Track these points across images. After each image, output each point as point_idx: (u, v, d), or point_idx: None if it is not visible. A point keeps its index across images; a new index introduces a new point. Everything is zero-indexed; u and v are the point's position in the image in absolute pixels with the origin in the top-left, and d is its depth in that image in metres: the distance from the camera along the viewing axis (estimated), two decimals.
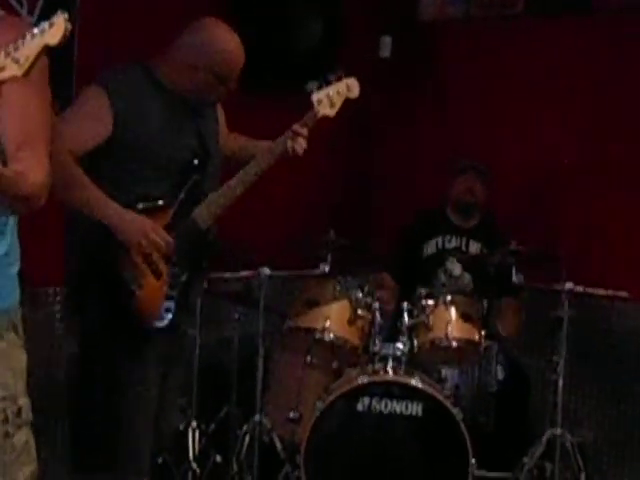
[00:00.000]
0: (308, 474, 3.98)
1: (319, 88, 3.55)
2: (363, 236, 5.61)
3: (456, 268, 4.92)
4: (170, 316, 3.29)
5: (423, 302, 4.38)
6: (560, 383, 4.36)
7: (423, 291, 4.49)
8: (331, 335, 4.22)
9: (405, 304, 4.38)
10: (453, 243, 5.10)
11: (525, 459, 4.37)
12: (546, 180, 5.45)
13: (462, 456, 4.01)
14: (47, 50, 1.72)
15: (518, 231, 5.01)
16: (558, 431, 4.33)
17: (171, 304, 3.30)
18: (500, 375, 4.72)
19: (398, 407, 4.06)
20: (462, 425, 4.04)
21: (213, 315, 4.49)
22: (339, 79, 3.58)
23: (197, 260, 3.43)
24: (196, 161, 3.35)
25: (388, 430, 4.07)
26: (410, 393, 4.07)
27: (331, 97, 3.51)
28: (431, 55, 5.87)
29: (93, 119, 3.19)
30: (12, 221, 2.22)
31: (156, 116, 3.29)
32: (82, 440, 3.35)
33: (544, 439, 4.35)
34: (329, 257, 4.37)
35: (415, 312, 4.35)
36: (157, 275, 3.24)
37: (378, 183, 6.00)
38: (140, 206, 3.22)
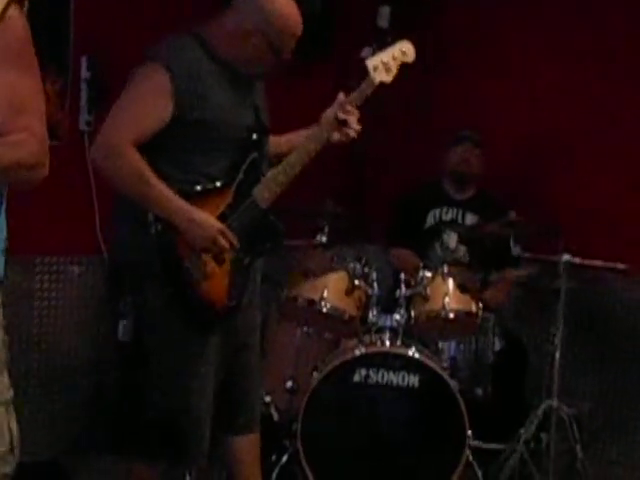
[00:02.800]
0: (305, 445, 4.00)
1: (373, 54, 3.45)
2: (360, 207, 5.62)
3: (452, 240, 4.93)
4: (234, 302, 3.22)
5: (420, 273, 4.38)
6: (557, 355, 4.40)
7: (418, 261, 4.52)
8: (328, 305, 4.20)
9: (402, 275, 4.41)
10: (450, 215, 5.11)
11: (521, 430, 4.40)
12: (546, 150, 5.44)
13: (458, 427, 4.04)
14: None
15: (516, 202, 5.03)
16: (554, 403, 4.37)
17: (235, 290, 3.23)
18: (497, 346, 4.73)
19: (395, 378, 4.08)
20: (459, 396, 4.07)
21: None
22: (393, 43, 3.47)
23: (259, 242, 3.32)
24: (255, 137, 3.25)
25: (384, 401, 4.10)
26: (407, 364, 4.09)
27: (386, 63, 3.38)
28: (429, 25, 5.84)
29: (154, 102, 3.04)
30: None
31: (216, 92, 3.14)
32: (142, 428, 3.32)
33: (540, 410, 4.40)
34: (326, 227, 4.38)
35: (412, 283, 4.36)
36: (220, 262, 3.15)
37: (374, 154, 6.00)
38: (198, 188, 3.12)
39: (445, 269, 4.40)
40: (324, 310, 4.23)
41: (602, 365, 5.22)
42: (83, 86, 4.49)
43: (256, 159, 3.22)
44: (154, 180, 3.00)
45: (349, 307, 4.27)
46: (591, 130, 5.28)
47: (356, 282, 4.29)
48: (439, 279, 4.37)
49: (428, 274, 4.38)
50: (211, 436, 3.31)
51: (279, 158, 3.34)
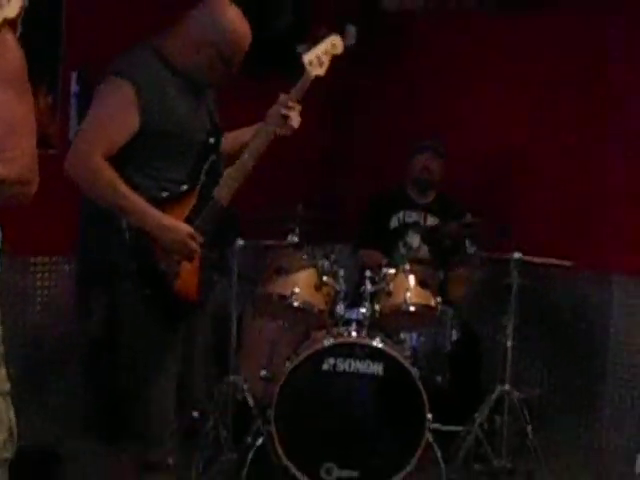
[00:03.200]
0: (278, 428, 3.99)
1: (307, 49, 3.40)
2: (328, 211, 5.61)
3: (415, 240, 4.94)
4: (203, 294, 3.25)
5: (384, 270, 4.39)
6: (509, 345, 4.41)
7: (384, 261, 4.52)
8: (299, 300, 4.20)
9: (367, 272, 4.38)
10: (413, 217, 5.12)
11: (477, 414, 4.41)
12: (500, 159, 5.47)
13: (419, 411, 4.04)
14: (7, 23, 1.72)
15: (473, 205, 5.05)
16: (507, 388, 4.38)
17: (205, 285, 3.26)
18: (454, 337, 4.76)
19: (361, 366, 4.07)
20: (419, 383, 4.07)
21: None
22: (323, 38, 3.42)
23: (222, 237, 3.35)
24: (212, 140, 3.23)
25: (351, 388, 4.09)
26: (372, 354, 4.09)
27: (319, 57, 3.35)
28: (393, 43, 5.87)
29: (121, 116, 3.00)
30: None
31: (177, 102, 3.12)
32: (115, 413, 3.32)
33: (494, 395, 4.40)
34: (297, 229, 4.37)
35: (377, 279, 4.36)
36: (190, 260, 3.13)
37: (345, 161, 6.01)
38: (164, 195, 3.08)
39: (407, 266, 4.41)
40: (295, 305, 4.22)
41: (550, 354, 5.27)
42: (73, 100, 4.47)
43: (215, 161, 3.22)
44: (127, 192, 2.97)
45: (318, 302, 4.26)
46: (538, 142, 5.35)
47: (325, 279, 4.29)
48: (401, 276, 4.37)
49: (392, 271, 4.38)
50: None
51: (229, 155, 3.32)
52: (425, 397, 4.05)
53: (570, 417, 5.19)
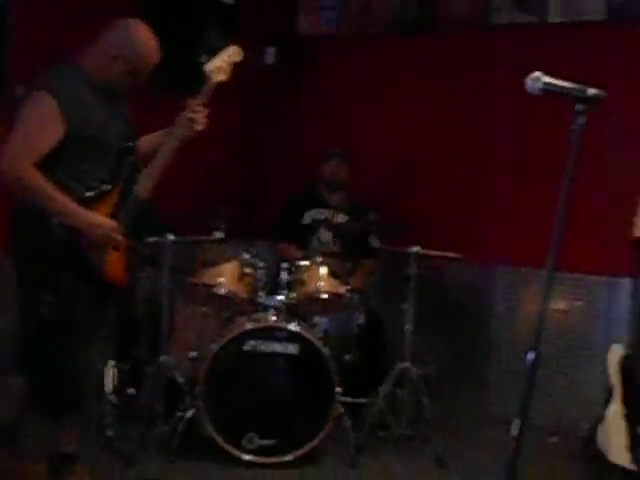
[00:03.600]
0: (205, 403, 4.03)
1: (209, 59, 3.40)
2: (249, 210, 5.67)
3: (326, 235, 5.00)
4: (128, 279, 3.30)
5: (299, 262, 4.46)
6: (408, 327, 4.48)
7: (299, 253, 4.59)
8: (223, 289, 4.26)
9: (284, 264, 4.45)
10: (324, 215, 5.15)
11: (381, 388, 4.48)
12: (401, 164, 5.56)
13: (330, 386, 4.11)
14: None
15: (377, 205, 5.15)
16: (406, 365, 4.45)
17: (129, 270, 3.30)
18: (361, 321, 4.84)
19: (278, 347, 4.13)
20: (330, 361, 4.15)
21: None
22: (224, 48, 3.44)
23: (143, 228, 3.41)
24: (129, 143, 3.29)
25: (270, 366, 4.14)
26: (288, 336, 4.15)
27: (220, 65, 3.36)
28: (308, 62, 5.91)
29: (46, 127, 3.05)
30: None
31: (96, 111, 3.17)
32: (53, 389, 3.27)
33: (395, 371, 4.48)
34: (222, 226, 4.40)
35: (292, 270, 4.42)
36: (116, 248, 3.19)
37: (263, 166, 6.04)
38: (90, 194, 3.14)
39: (319, 259, 4.48)
40: (220, 293, 4.28)
41: (444, 335, 5.35)
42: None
43: (133, 161, 3.29)
44: (55, 194, 3.03)
45: (241, 290, 4.32)
46: (434, 150, 5.46)
47: (246, 270, 4.34)
48: (314, 267, 4.43)
49: (305, 263, 4.45)
50: None
51: (145, 156, 3.36)
52: (335, 373, 4.12)
53: (461, 389, 5.27)
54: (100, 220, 3.13)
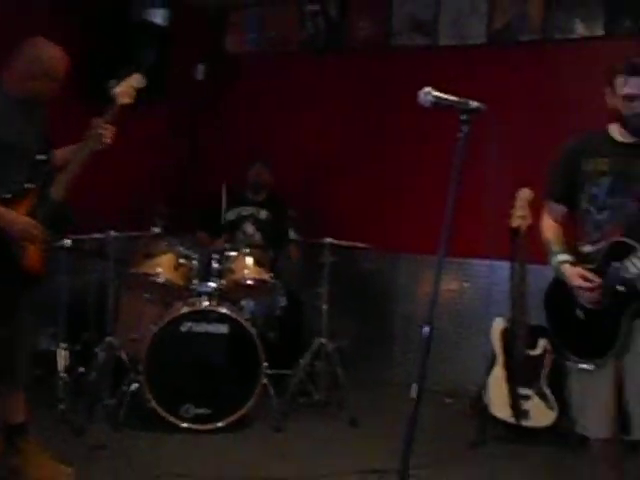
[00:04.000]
0: (147, 378, 4.02)
1: (117, 84, 3.39)
2: (184, 209, 5.65)
3: (250, 229, 5.02)
4: (44, 268, 3.25)
5: (227, 253, 4.45)
6: (324, 308, 4.55)
7: (227, 245, 4.57)
8: (161, 278, 4.24)
9: (214, 255, 4.44)
10: (249, 211, 5.17)
11: (301, 360, 4.54)
12: (316, 166, 5.61)
13: (256, 360, 4.15)
14: None
15: (296, 202, 5.19)
16: (323, 340, 4.52)
17: (46, 262, 3.25)
18: (283, 303, 4.89)
19: (211, 328, 4.15)
20: (256, 339, 4.17)
21: (76, 266, 4.39)
22: (129, 75, 3.43)
23: (58, 226, 3.33)
24: (46, 153, 3.27)
25: (204, 344, 4.14)
26: (219, 318, 4.16)
27: (126, 90, 3.35)
28: (233, 77, 5.91)
29: None
30: None
31: (15, 123, 3.15)
32: None
33: (313, 346, 4.54)
34: (160, 223, 4.39)
35: (222, 260, 4.42)
36: (34, 243, 3.15)
37: (197, 170, 6.00)
38: (8, 195, 3.11)
39: (245, 250, 4.48)
40: (159, 281, 4.26)
41: (355, 313, 5.41)
42: None
43: (48, 168, 3.26)
44: None
45: (177, 278, 4.30)
46: (345, 154, 5.52)
47: (181, 261, 4.33)
48: (241, 257, 4.44)
49: (233, 253, 4.45)
50: None
51: (60, 166, 3.33)
52: (261, 349, 4.15)
53: (370, 360, 5.33)
54: (19, 217, 3.11)
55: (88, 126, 3.30)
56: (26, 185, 3.18)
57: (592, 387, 2.93)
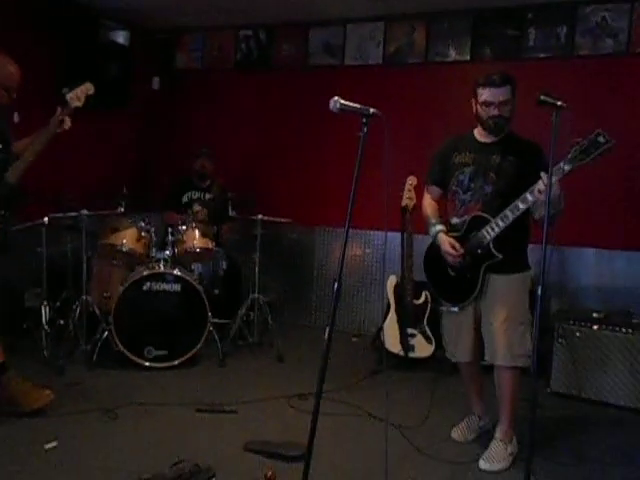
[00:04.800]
0: (116, 327, 3.92)
1: (70, 90, 3.27)
2: (145, 191, 5.50)
3: (198, 208, 4.91)
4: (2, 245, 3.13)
5: (180, 227, 4.36)
6: (256, 269, 4.50)
7: (179, 221, 4.49)
8: (126, 247, 4.12)
9: (169, 228, 4.33)
10: (197, 195, 5.05)
11: (239, 311, 4.50)
12: (249, 158, 5.53)
13: (204, 312, 4.08)
14: None
15: (234, 186, 5.10)
16: (256, 295, 4.48)
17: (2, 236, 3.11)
18: (224, 267, 4.81)
19: (167, 286, 4.06)
20: (203, 295, 4.10)
21: (56, 238, 4.24)
22: (83, 83, 3.30)
23: (12, 204, 3.17)
24: (1, 146, 3.12)
25: (162, 300, 4.05)
26: (174, 279, 4.07)
27: (78, 95, 3.23)
28: (182, 88, 5.78)
29: None
30: None
31: None
32: None
33: (248, 300, 4.51)
34: (124, 202, 4.25)
35: (175, 233, 4.33)
36: None
37: (156, 161, 5.87)
38: None
39: (193, 224, 4.39)
40: (124, 250, 4.14)
41: (282, 274, 5.36)
42: None
43: (4, 156, 3.12)
44: None
45: (139, 248, 4.19)
46: (274, 150, 5.45)
47: (143, 234, 4.21)
48: (190, 230, 4.35)
49: (184, 227, 4.35)
50: None
51: (20, 153, 3.20)
52: (207, 303, 4.09)
53: (294, 310, 5.33)
54: None
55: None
56: None
57: (457, 324, 3.06)
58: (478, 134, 2.99)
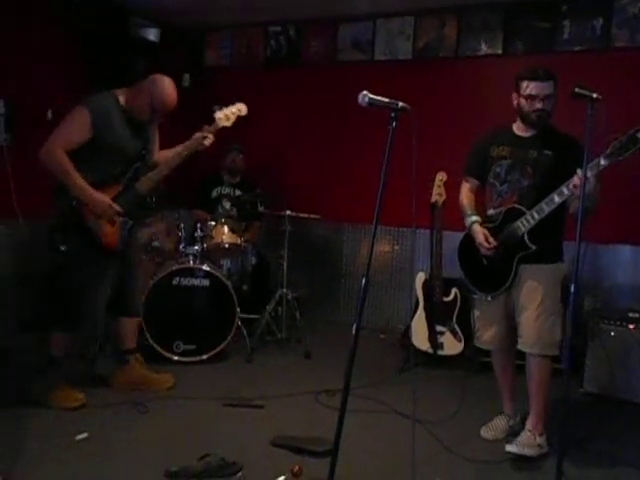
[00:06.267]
0: (146, 321, 3.94)
1: (219, 109, 3.37)
2: (175, 188, 5.52)
3: (227, 204, 4.93)
4: (121, 246, 3.23)
5: (209, 223, 4.39)
6: (285, 265, 4.50)
7: (209, 217, 4.51)
8: (156, 243, 4.18)
9: (198, 224, 4.34)
10: (226, 191, 5.08)
11: (267, 307, 4.51)
12: (279, 155, 5.55)
13: (232, 307, 4.09)
14: None
15: (263, 182, 5.13)
16: (285, 291, 4.49)
17: (121, 239, 3.22)
18: (253, 262, 4.80)
19: (196, 282, 4.08)
20: (232, 290, 4.12)
21: None
22: (233, 103, 3.41)
23: (138, 213, 3.31)
24: (141, 153, 3.24)
25: (191, 295, 4.07)
26: (203, 274, 4.09)
27: (227, 114, 3.34)
28: (212, 85, 5.81)
29: (78, 127, 3.03)
30: None
31: (118, 127, 3.13)
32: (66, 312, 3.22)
33: (277, 295, 4.51)
34: (154, 198, 4.21)
35: (204, 229, 4.34)
36: (112, 223, 3.14)
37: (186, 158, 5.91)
38: (103, 181, 3.11)
39: (223, 220, 4.42)
40: (154, 245, 4.21)
41: (310, 270, 5.39)
42: (1, 119, 4.27)
43: (139, 167, 3.23)
44: (74, 173, 3.02)
45: (169, 243, 4.24)
46: (302, 145, 5.46)
47: (172, 229, 4.26)
48: (219, 226, 4.39)
49: (213, 223, 4.39)
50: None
51: (157, 164, 3.34)
52: (235, 298, 4.10)
53: (321, 306, 5.34)
54: (102, 197, 3.10)
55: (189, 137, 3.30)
56: (115, 178, 3.16)
57: (489, 312, 3.08)
58: (516, 128, 3.01)
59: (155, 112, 3.19)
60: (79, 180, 3.03)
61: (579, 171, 2.58)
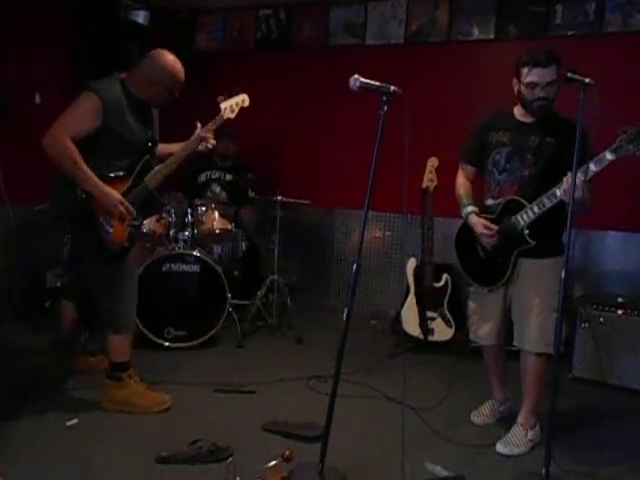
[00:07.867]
0: (137, 308, 3.86)
1: (224, 100, 3.24)
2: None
3: (217, 189, 4.91)
4: (128, 243, 2.99)
5: (199, 208, 4.34)
6: (276, 251, 4.51)
7: (198, 201, 4.45)
8: (146, 228, 4.09)
9: (188, 209, 4.31)
10: (216, 175, 5.05)
11: (258, 293, 4.51)
12: (269, 139, 5.52)
13: (223, 293, 4.09)
14: None
15: (254, 167, 5.10)
16: (275, 277, 4.50)
17: (130, 237, 2.98)
18: (244, 248, 4.81)
19: (186, 267, 4.07)
20: (222, 276, 4.10)
21: None
22: (237, 94, 3.29)
23: (146, 209, 3.12)
24: (149, 145, 3.03)
25: (181, 280, 4.06)
26: (193, 259, 4.07)
27: (232, 106, 3.21)
28: (203, 69, 5.74)
29: (86, 114, 2.78)
30: None
31: (128, 116, 2.90)
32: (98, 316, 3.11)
33: (267, 281, 4.52)
34: None
35: (194, 213, 4.31)
36: (121, 220, 2.90)
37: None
38: (110, 175, 2.87)
39: (213, 205, 4.38)
40: (144, 231, 4.09)
41: (301, 255, 5.38)
42: None
43: (148, 159, 3.02)
44: (82, 166, 2.77)
45: (159, 229, 4.17)
46: (292, 130, 5.42)
47: (163, 215, 4.18)
48: (210, 211, 4.34)
49: (204, 208, 4.34)
50: None
51: (160, 157, 3.14)
52: (226, 284, 4.09)
53: (312, 292, 5.33)
54: (111, 191, 2.85)
55: (193, 129, 3.14)
56: (124, 171, 2.94)
57: (485, 306, 3.02)
58: (518, 113, 2.87)
59: (169, 90, 3.00)
60: (89, 172, 2.79)
61: (579, 174, 2.46)
